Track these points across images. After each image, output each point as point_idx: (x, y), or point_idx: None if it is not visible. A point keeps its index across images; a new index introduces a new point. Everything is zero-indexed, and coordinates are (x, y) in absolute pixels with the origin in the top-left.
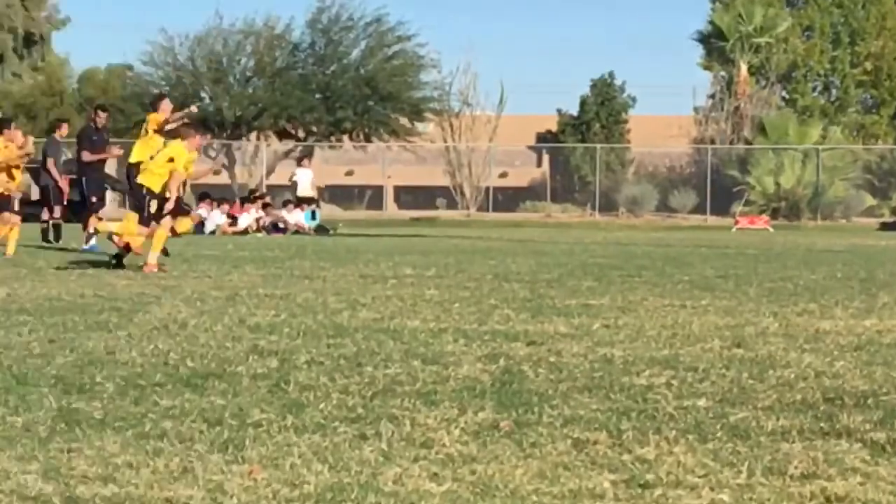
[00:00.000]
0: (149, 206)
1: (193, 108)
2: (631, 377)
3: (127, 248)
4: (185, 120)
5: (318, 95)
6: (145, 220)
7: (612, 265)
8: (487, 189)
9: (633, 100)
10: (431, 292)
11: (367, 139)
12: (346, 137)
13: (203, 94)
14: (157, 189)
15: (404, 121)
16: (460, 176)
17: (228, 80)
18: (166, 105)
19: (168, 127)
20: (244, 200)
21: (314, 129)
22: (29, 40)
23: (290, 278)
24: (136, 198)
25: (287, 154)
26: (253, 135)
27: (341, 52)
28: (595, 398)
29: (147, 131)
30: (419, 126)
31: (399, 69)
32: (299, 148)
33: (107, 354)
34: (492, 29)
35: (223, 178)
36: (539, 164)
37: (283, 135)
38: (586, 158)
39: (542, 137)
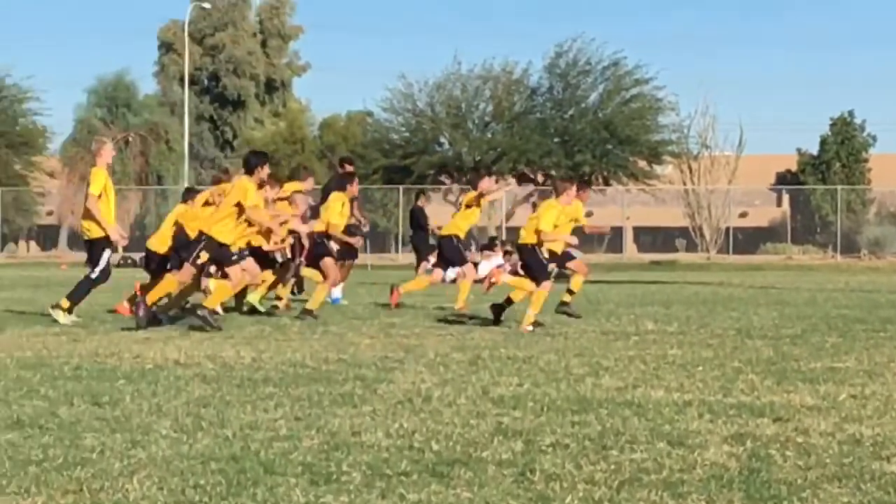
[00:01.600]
0: (528, 264)
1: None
2: (881, 463)
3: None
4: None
5: (556, 139)
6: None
7: (855, 317)
8: (727, 229)
9: (874, 138)
10: (674, 352)
11: (606, 182)
12: (513, 183)
13: (442, 140)
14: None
15: (643, 164)
16: (699, 217)
17: (467, 125)
18: (487, 183)
19: (491, 197)
20: (484, 247)
21: (553, 172)
22: (270, 87)
23: (531, 336)
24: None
25: (527, 198)
26: (493, 178)
27: (579, 96)
28: (845, 488)
29: (465, 205)
30: (657, 169)
31: (637, 112)
32: (538, 192)
33: (352, 436)
34: (729, 67)
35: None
36: (779, 204)
37: (522, 178)
38: (827, 198)
39: (781, 177)
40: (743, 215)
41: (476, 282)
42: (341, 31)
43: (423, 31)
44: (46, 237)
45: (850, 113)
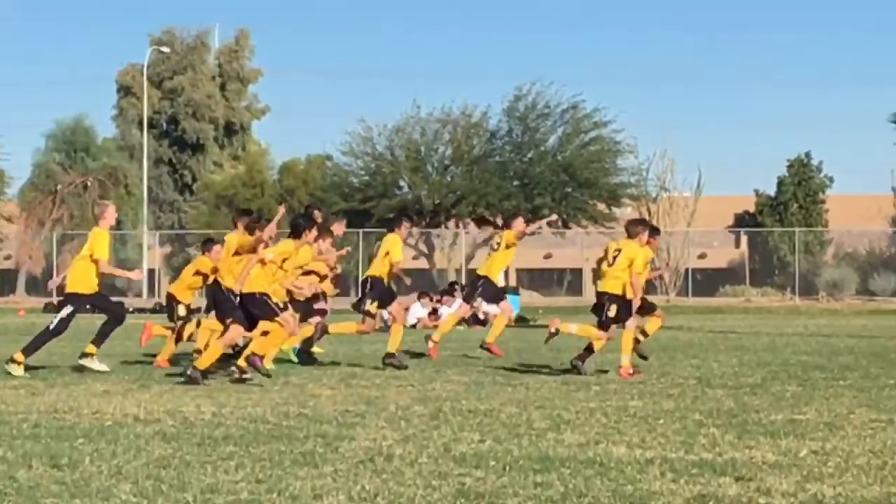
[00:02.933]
0: (607, 310)
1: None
2: None
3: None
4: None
5: (515, 182)
6: (604, 325)
7: (815, 364)
8: (687, 271)
9: (831, 179)
10: (635, 403)
11: (566, 225)
12: (544, 223)
13: (402, 183)
14: (618, 292)
15: (602, 206)
16: (658, 260)
17: (427, 168)
18: (522, 223)
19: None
20: (444, 293)
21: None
22: (229, 130)
23: (492, 386)
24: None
25: (486, 241)
26: (451, 222)
27: (538, 139)
28: None
29: (502, 245)
30: (617, 211)
31: (596, 155)
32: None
33: (314, 499)
34: (688, 109)
35: (422, 264)
36: (738, 245)
37: (481, 221)
38: (784, 240)
39: (739, 218)
40: (702, 257)
41: (412, 326)
42: (301, 73)
43: (382, 74)
44: (4, 282)
45: (808, 154)
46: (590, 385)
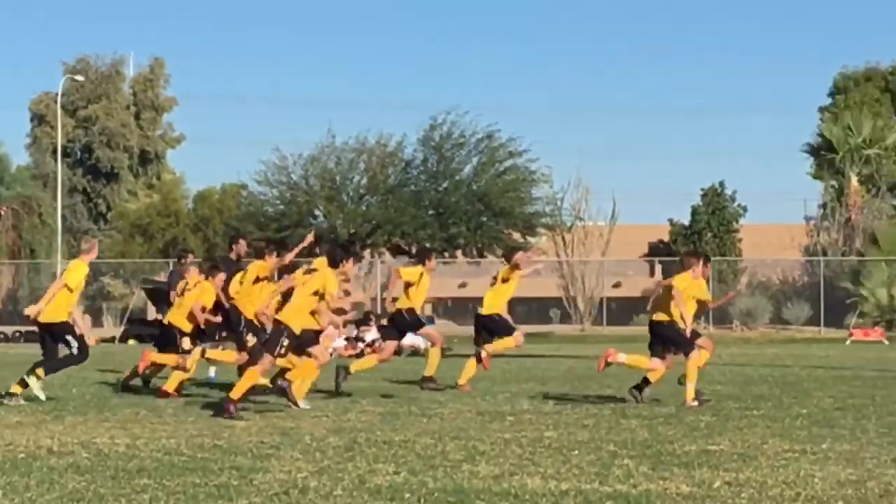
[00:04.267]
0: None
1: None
2: None
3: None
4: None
5: (431, 212)
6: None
7: (729, 394)
8: (602, 300)
9: (744, 209)
10: (550, 434)
11: (481, 254)
12: (459, 252)
13: (317, 212)
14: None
15: (517, 235)
16: (574, 289)
17: (342, 197)
18: (522, 257)
19: (524, 273)
20: (359, 322)
21: (427, 245)
22: (144, 158)
23: (407, 417)
24: None
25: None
26: (367, 251)
27: (453, 169)
28: None
29: (502, 279)
30: (531, 240)
31: (511, 184)
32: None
33: None
34: (602, 138)
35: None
36: (652, 274)
37: (396, 251)
38: None
39: (654, 247)
40: (617, 286)
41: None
42: (216, 101)
43: (296, 102)
44: None
45: (721, 184)
46: (504, 415)
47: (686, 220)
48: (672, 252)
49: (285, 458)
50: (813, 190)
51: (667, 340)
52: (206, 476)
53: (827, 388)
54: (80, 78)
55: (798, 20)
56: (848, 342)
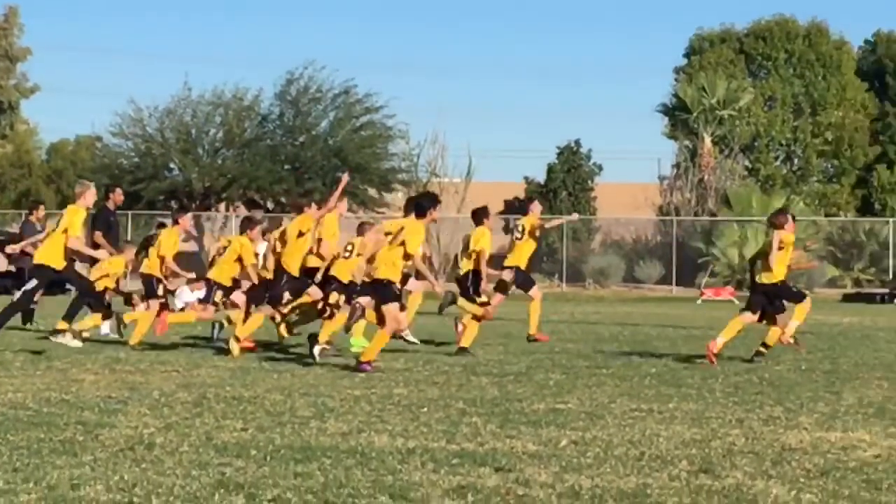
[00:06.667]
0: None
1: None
2: None
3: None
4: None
5: (287, 166)
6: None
7: (579, 353)
8: (456, 256)
9: (600, 168)
10: (399, 391)
11: None
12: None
13: (172, 166)
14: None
15: (373, 191)
16: (428, 246)
17: (198, 151)
18: (536, 206)
19: (549, 226)
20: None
21: (283, 199)
22: None
23: (258, 372)
24: None
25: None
26: (222, 205)
27: (310, 124)
28: None
29: (530, 233)
30: (387, 196)
31: (368, 140)
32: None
33: (71, 489)
34: (459, 95)
35: (191, 247)
36: (507, 232)
37: (251, 205)
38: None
39: (510, 205)
40: None
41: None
42: (71, 51)
43: (152, 55)
44: None
45: (577, 142)
46: (355, 372)
47: (542, 179)
48: (526, 210)
49: (132, 413)
50: (667, 150)
51: (775, 297)
52: (51, 431)
53: (676, 347)
54: None
55: None
56: (699, 301)
